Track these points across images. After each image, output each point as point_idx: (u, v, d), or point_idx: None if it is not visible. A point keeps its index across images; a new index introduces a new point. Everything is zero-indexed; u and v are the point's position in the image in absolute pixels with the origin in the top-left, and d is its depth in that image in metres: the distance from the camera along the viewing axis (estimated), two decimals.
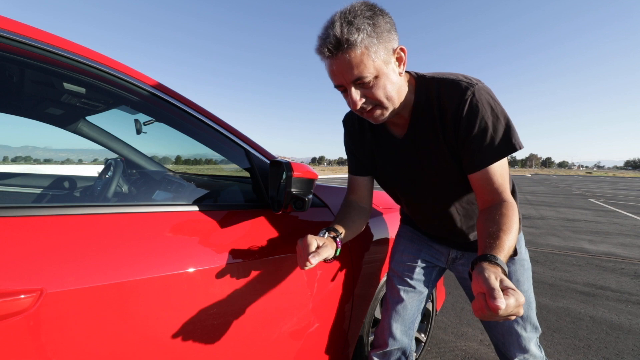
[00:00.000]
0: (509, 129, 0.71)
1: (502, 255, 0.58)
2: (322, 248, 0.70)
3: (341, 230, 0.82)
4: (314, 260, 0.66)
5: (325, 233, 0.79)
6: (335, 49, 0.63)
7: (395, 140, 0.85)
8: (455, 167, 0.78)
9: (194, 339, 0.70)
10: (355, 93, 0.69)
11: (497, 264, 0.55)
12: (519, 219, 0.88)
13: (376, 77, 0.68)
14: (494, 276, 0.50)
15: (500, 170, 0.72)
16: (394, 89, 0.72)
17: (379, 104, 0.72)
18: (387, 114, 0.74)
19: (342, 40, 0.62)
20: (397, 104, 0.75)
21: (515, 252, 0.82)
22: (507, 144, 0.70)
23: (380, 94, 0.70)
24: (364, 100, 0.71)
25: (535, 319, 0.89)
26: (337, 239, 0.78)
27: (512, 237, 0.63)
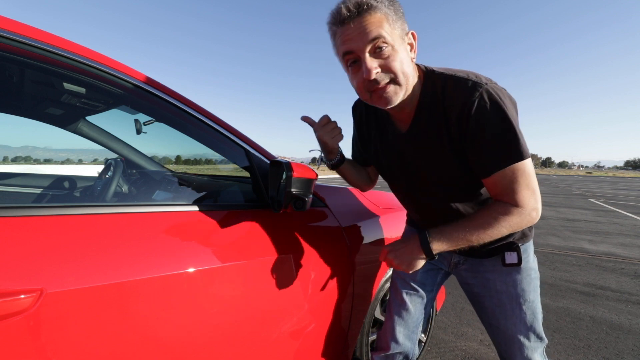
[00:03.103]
0: (517, 135, 0.66)
1: (435, 234, 0.73)
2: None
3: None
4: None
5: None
6: (356, 10, 0.62)
7: (399, 135, 0.82)
8: (458, 165, 0.74)
9: (194, 339, 0.70)
10: (371, 60, 0.65)
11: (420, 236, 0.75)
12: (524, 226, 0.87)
13: (393, 49, 0.65)
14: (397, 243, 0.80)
15: (510, 175, 0.67)
16: (409, 69, 0.69)
17: (394, 78, 0.67)
18: (400, 94, 0.69)
19: (363, 2, 0.61)
20: (410, 86, 0.71)
21: (519, 261, 0.82)
22: (515, 152, 0.66)
23: (397, 66, 0.66)
24: (379, 70, 0.66)
25: (541, 329, 0.86)
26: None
27: (464, 228, 0.71)
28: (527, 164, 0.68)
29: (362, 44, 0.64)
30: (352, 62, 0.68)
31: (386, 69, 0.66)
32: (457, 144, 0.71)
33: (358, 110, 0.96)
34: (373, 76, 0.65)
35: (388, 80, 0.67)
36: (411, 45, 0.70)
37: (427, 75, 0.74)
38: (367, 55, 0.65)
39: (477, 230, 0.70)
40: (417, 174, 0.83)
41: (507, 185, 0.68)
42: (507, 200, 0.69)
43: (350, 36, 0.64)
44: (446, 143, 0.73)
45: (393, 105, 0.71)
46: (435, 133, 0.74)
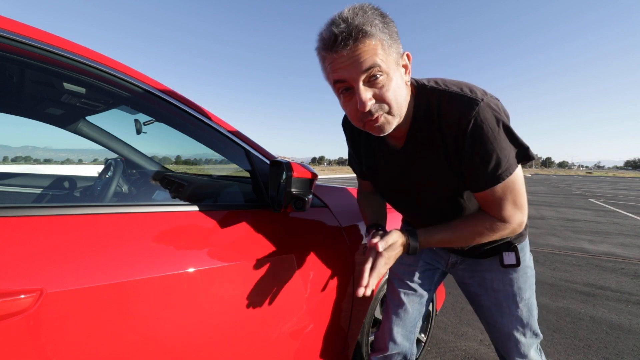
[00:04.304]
0: (514, 147, 0.67)
1: (423, 235, 0.77)
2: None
3: (382, 223, 0.92)
4: (373, 282, 0.69)
5: (377, 233, 0.79)
6: (349, 37, 0.57)
7: (392, 151, 0.81)
8: (454, 178, 0.74)
9: (194, 339, 0.70)
10: (365, 91, 0.61)
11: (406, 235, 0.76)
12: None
13: (388, 76, 0.61)
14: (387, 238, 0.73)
15: (500, 192, 0.69)
16: (403, 97, 0.66)
17: (388, 109, 0.64)
18: (393, 123, 0.67)
19: (357, 29, 0.57)
20: (403, 113, 0.68)
21: (518, 262, 0.83)
22: (511, 166, 0.67)
23: (391, 96, 0.63)
24: (373, 101, 0.62)
25: (536, 325, 0.88)
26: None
27: (448, 234, 0.76)
28: (518, 181, 0.69)
29: (356, 73, 0.60)
30: (345, 89, 0.64)
31: (380, 99, 0.63)
32: (454, 157, 0.71)
33: (348, 126, 0.93)
34: (368, 108, 0.62)
35: (382, 112, 0.64)
36: (405, 67, 0.67)
37: (419, 90, 0.71)
38: (360, 85, 0.61)
39: (460, 241, 0.77)
40: (415, 188, 0.83)
41: (496, 201, 0.70)
42: (494, 215, 0.71)
43: (344, 65, 0.60)
44: (443, 157, 0.72)
45: (386, 133, 0.69)
46: (431, 148, 0.73)
